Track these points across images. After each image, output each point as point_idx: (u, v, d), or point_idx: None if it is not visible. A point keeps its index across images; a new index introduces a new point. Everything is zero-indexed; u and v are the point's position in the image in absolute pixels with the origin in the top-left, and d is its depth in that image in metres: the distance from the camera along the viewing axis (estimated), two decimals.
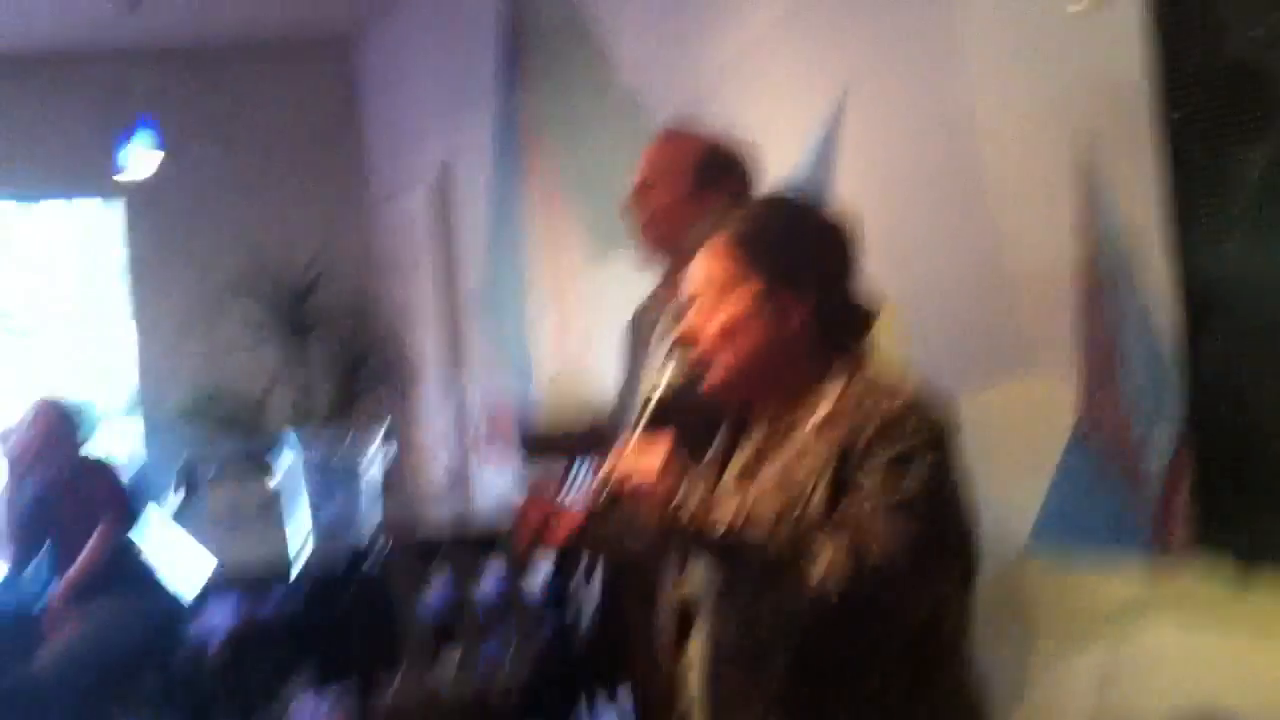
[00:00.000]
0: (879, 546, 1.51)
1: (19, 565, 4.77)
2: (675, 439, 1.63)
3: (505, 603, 2.61)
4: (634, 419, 1.76)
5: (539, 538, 1.94)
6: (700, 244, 1.72)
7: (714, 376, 1.70)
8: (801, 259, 1.70)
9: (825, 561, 1.50)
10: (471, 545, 2.59)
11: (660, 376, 1.78)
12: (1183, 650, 2.04)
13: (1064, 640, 2.27)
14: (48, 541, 4.67)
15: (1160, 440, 2.06)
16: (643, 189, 2.37)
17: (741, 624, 1.65)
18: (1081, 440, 2.21)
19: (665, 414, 1.75)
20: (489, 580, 2.67)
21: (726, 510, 1.56)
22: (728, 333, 1.68)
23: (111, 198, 5.92)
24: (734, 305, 1.68)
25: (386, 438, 3.03)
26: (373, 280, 6.04)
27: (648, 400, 1.76)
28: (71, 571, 4.48)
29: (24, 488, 4.71)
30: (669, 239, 2.24)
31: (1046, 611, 2.31)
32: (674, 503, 1.57)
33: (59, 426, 4.64)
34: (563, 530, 1.93)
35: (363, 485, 2.97)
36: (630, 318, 2.56)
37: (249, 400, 5.70)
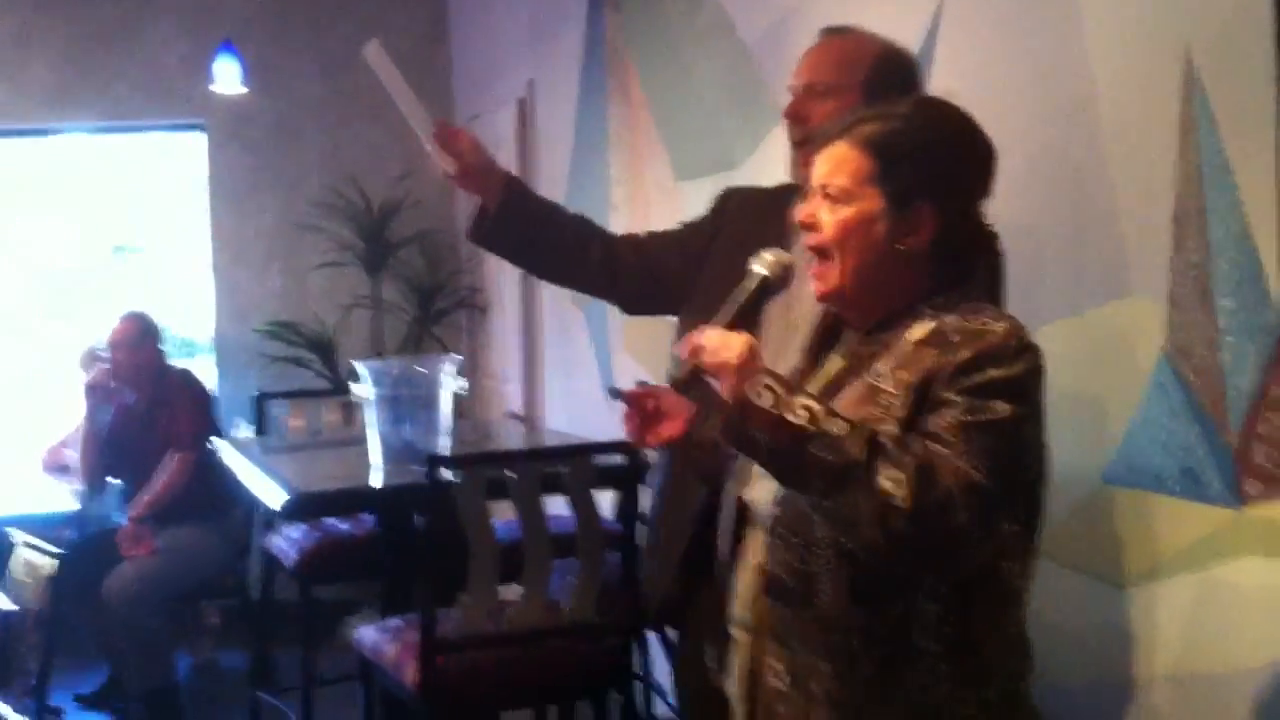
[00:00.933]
0: (958, 462, 1.45)
1: (98, 482, 4.86)
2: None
3: (575, 530, 2.56)
4: (734, 295, 1.69)
5: (643, 436, 1.83)
6: (839, 135, 1.64)
7: (828, 281, 1.64)
8: (941, 178, 1.61)
9: (898, 469, 1.44)
10: (542, 474, 2.52)
11: (764, 258, 1.70)
12: (1268, 586, 1.94)
13: (1147, 575, 2.17)
14: (127, 460, 4.75)
15: (1251, 368, 1.96)
16: (807, 94, 2.12)
17: (797, 538, 1.60)
18: (1169, 367, 2.10)
19: (759, 301, 1.70)
20: (559, 508, 2.61)
21: (805, 406, 1.49)
22: (850, 231, 1.61)
23: (197, 125, 5.93)
24: (863, 204, 1.61)
25: (462, 366, 2.97)
26: (455, 202, 6.01)
27: (751, 277, 1.69)
28: (149, 494, 4.55)
29: (106, 404, 4.77)
30: None
31: (1128, 545, 2.22)
32: (754, 385, 1.50)
33: (145, 336, 4.71)
34: (666, 430, 1.81)
35: (437, 413, 2.92)
36: (721, 196, 2.40)
37: (327, 327, 5.71)
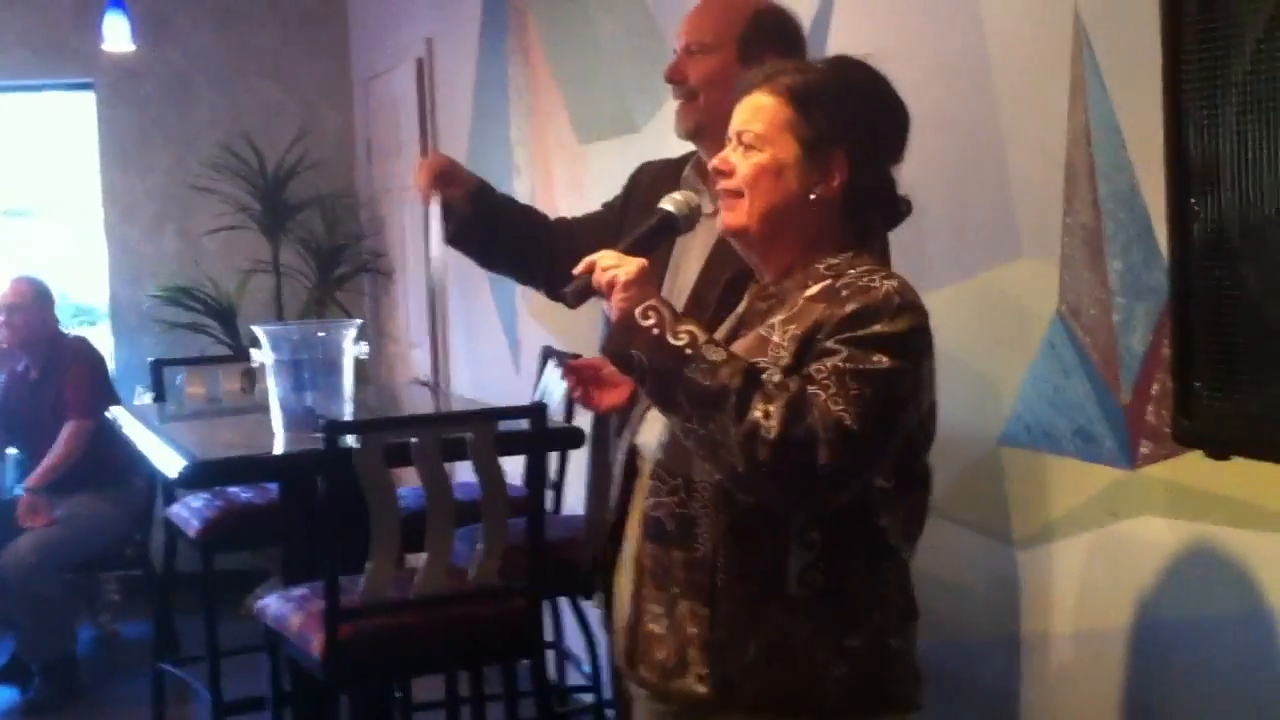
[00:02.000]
0: (830, 402, 1.48)
1: None
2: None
3: (480, 496, 2.54)
4: (639, 228, 1.75)
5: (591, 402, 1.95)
6: (753, 86, 1.68)
7: (736, 216, 1.67)
8: (855, 126, 1.65)
9: (770, 402, 1.48)
10: (446, 439, 2.51)
11: (673, 196, 1.75)
12: (1161, 544, 2.00)
13: (1041, 534, 2.22)
14: (21, 429, 4.64)
15: (1141, 328, 2.01)
16: (685, 54, 2.17)
17: (677, 479, 1.63)
18: (1062, 328, 2.15)
19: (661, 235, 1.74)
20: (463, 474, 2.60)
21: (687, 331, 1.54)
22: (764, 174, 1.64)
23: (85, 83, 5.76)
24: (777, 150, 1.64)
25: (364, 330, 2.93)
26: (354, 163, 5.92)
27: (656, 211, 1.73)
28: (46, 462, 4.46)
29: (2, 369, 4.66)
30: (712, 112, 2.05)
31: (1023, 504, 2.27)
32: (641, 305, 1.56)
33: (35, 302, 4.60)
34: (611, 398, 1.94)
35: (339, 378, 2.88)
36: (634, 172, 2.43)
37: (225, 292, 5.60)
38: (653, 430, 1.69)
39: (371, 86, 5.71)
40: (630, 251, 1.66)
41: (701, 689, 1.60)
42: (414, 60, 5.11)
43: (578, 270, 1.63)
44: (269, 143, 5.65)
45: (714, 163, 1.70)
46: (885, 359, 1.52)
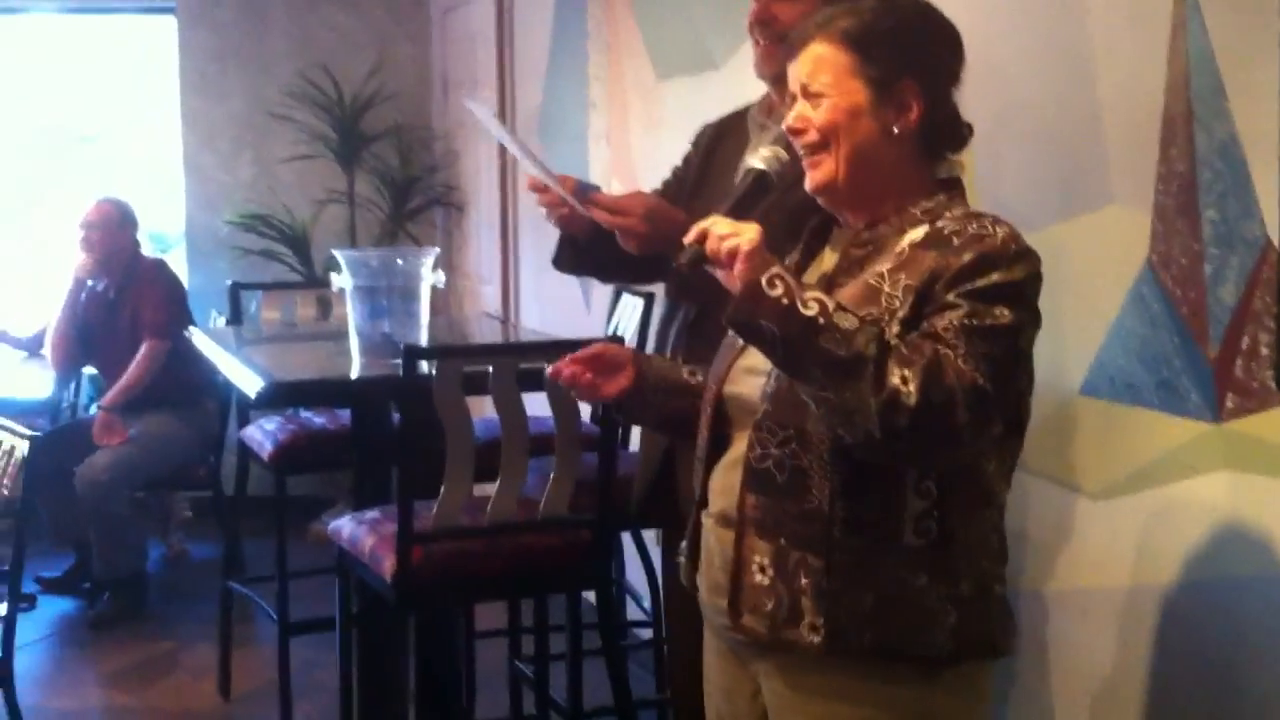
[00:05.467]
0: (960, 364, 1.48)
1: (71, 371, 4.84)
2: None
3: (553, 426, 2.56)
4: (733, 192, 1.71)
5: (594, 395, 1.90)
6: (808, 38, 1.66)
7: (821, 172, 1.66)
8: (917, 55, 1.65)
9: (906, 367, 1.47)
10: (521, 371, 2.52)
11: (760, 154, 1.72)
12: (1242, 500, 1.97)
13: (1116, 486, 2.20)
14: (98, 348, 4.73)
15: (1233, 281, 1.97)
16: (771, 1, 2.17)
17: (787, 432, 1.62)
18: (1151, 278, 2.11)
19: (757, 195, 1.71)
20: (538, 405, 2.62)
21: (815, 299, 1.51)
22: (839, 121, 1.64)
23: (166, 7, 5.80)
24: (846, 97, 1.64)
25: (439, 260, 2.94)
26: (430, 97, 5.93)
27: (748, 172, 1.71)
28: (122, 382, 4.54)
29: (80, 290, 4.74)
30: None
31: (1101, 456, 2.25)
32: (766, 274, 1.51)
33: (117, 223, 4.67)
34: (614, 386, 1.87)
35: (416, 306, 2.90)
36: (697, 134, 2.44)
37: (299, 221, 5.65)
38: (750, 382, 1.69)
39: (448, 19, 5.70)
40: (732, 216, 1.63)
41: (814, 639, 1.60)
42: None
43: (689, 240, 1.59)
44: (346, 73, 5.67)
45: (787, 123, 1.68)
46: (1008, 311, 1.53)
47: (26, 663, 3.83)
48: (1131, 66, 2.14)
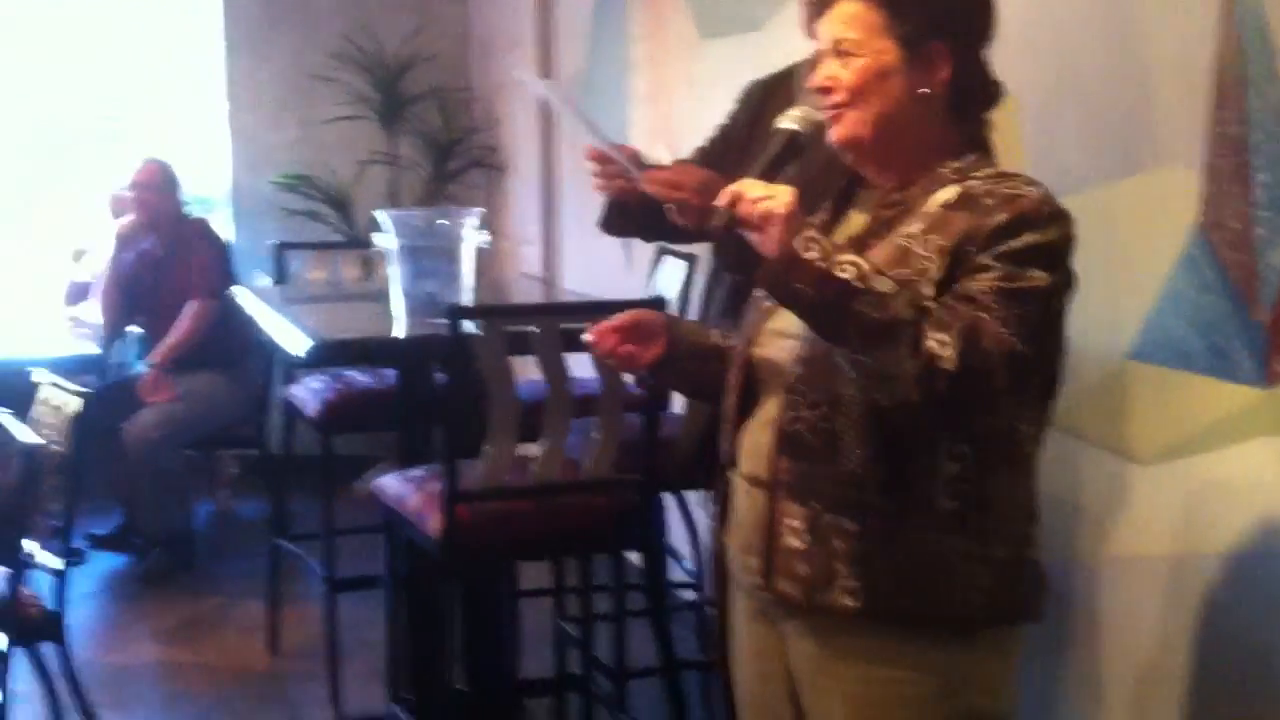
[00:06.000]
0: (997, 327, 1.48)
1: (118, 329, 4.90)
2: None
3: (598, 388, 2.57)
4: (762, 154, 1.70)
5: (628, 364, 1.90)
6: None
7: (847, 128, 1.65)
8: (948, 15, 1.64)
9: (943, 331, 1.46)
10: (564, 331, 2.53)
11: (791, 114, 1.71)
12: None
13: (1166, 452, 2.19)
14: (145, 306, 4.78)
15: None
16: None
17: (820, 395, 1.61)
18: (1201, 241, 2.09)
19: (788, 156, 1.69)
20: (582, 365, 2.63)
21: (851, 262, 1.50)
22: (868, 79, 1.63)
23: None
24: (876, 56, 1.63)
25: (483, 221, 2.95)
26: (471, 59, 5.92)
27: (779, 133, 1.69)
28: (169, 340, 4.59)
29: (127, 250, 4.79)
30: None
31: (1150, 421, 2.24)
32: (800, 237, 1.50)
33: (163, 183, 4.71)
34: (649, 354, 1.86)
35: (460, 266, 2.91)
36: (745, 91, 2.42)
37: (342, 181, 5.67)
38: (781, 345, 1.68)
39: None
40: (764, 178, 1.61)
41: (850, 602, 1.60)
42: None
43: (720, 203, 1.57)
44: (388, 34, 5.67)
45: (815, 81, 1.67)
46: (1043, 273, 1.52)
47: (78, 618, 3.88)
48: (1183, 27, 2.12)
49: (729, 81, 2.61)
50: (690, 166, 2.38)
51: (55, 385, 3.05)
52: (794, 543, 1.64)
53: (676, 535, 3.62)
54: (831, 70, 1.65)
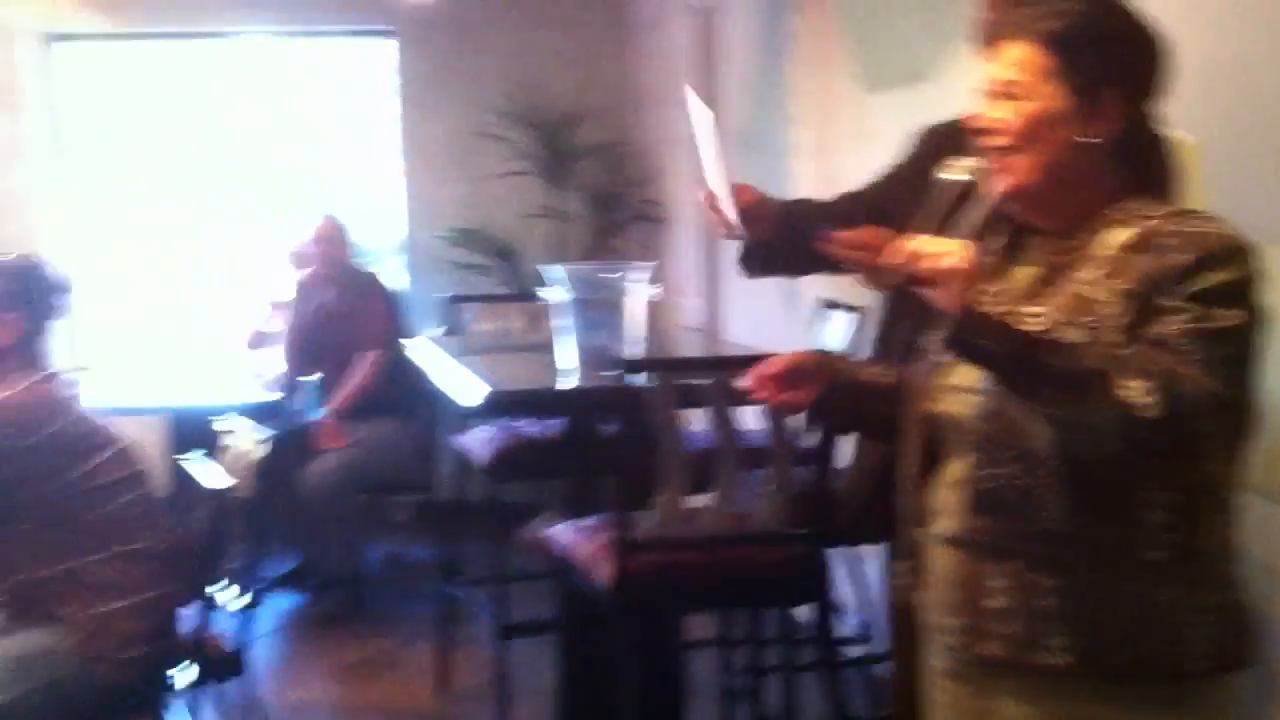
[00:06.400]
0: (1196, 371, 1.43)
1: (295, 378, 5.08)
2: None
3: (767, 440, 2.59)
4: (927, 207, 1.67)
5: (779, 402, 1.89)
6: (1008, 36, 1.62)
7: (1013, 178, 1.62)
8: (1122, 63, 1.60)
9: (1141, 379, 1.42)
10: (733, 383, 2.54)
11: (961, 164, 1.69)
12: None
13: None
14: (323, 357, 4.95)
15: None
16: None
17: (1010, 452, 1.58)
18: None
19: (959, 207, 1.67)
20: (750, 417, 2.64)
21: (1034, 314, 1.48)
22: (1035, 125, 1.59)
23: (387, 32, 6.04)
24: (1045, 101, 1.59)
25: (653, 273, 3.00)
26: (633, 113, 6.03)
27: (949, 184, 1.67)
28: (343, 391, 4.74)
29: (306, 301, 4.99)
30: None
31: None
32: (980, 293, 1.48)
33: (340, 238, 4.91)
34: (800, 397, 1.87)
35: (630, 319, 2.96)
36: (922, 134, 2.41)
37: (508, 235, 5.81)
38: (963, 400, 1.66)
39: (651, 37, 5.79)
40: (936, 231, 1.60)
41: (1061, 660, 1.57)
42: (696, 10, 5.15)
43: (895, 261, 1.55)
44: (553, 91, 5.81)
45: (979, 122, 1.64)
46: (1236, 312, 1.48)
47: (256, 655, 4.03)
48: None
49: (895, 135, 2.61)
50: (877, 229, 2.38)
51: (240, 431, 3.18)
52: (997, 602, 1.61)
53: (843, 589, 3.60)
54: (996, 113, 1.62)
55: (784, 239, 2.39)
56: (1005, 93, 1.61)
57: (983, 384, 1.59)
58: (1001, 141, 1.61)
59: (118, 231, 6.24)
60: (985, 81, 1.65)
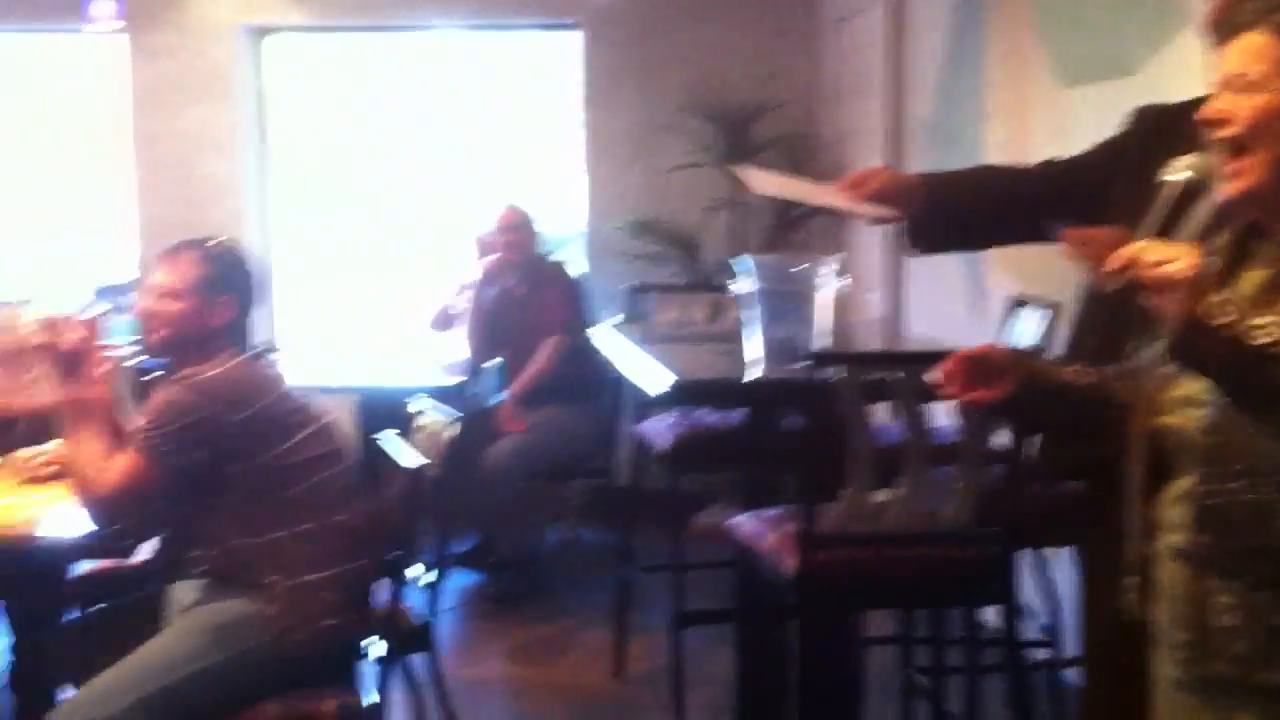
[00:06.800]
0: None
1: (479, 362, 5.20)
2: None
3: (956, 436, 2.55)
4: (1153, 208, 1.63)
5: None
6: (1243, 26, 1.56)
7: (1245, 181, 1.55)
8: None
9: None
10: (923, 377, 2.52)
11: (1184, 162, 1.64)
12: None
13: None
14: (505, 342, 5.06)
15: None
16: None
17: (1239, 467, 1.53)
18: None
19: (1182, 209, 1.62)
20: (939, 412, 2.61)
21: (1262, 325, 1.43)
22: (1266, 121, 1.53)
23: (573, 25, 6.12)
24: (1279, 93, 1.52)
25: (841, 266, 2.99)
26: (819, 106, 5.99)
27: (1170, 185, 1.62)
28: (526, 374, 4.84)
29: (490, 287, 5.10)
30: None
31: None
32: (1207, 302, 1.44)
33: (525, 226, 5.00)
34: (992, 392, 1.81)
35: (814, 312, 2.95)
36: (1134, 116, 2.31)
37: (687, 226, 5.84)
38: (1189, 413, 1.61)
39: (841, 28, 5.74)
40: (1156, 235, 1.55)
41: None
42: (886, 2, 5.09)
43: (1116, 266, 1.51)
44: (737, 83, 5.82)
45: (1206, 112, 1.58)
46: None
47: (438, 631, 4.14)
48: None
49: (1095, 132, 2.53)
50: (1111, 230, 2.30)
51: (432, 412, 3.27)
52: (1227, 620, 1.57)
53: (1028, 591, 3.52)
54: (1226, 103, 1.56)
55: (946, 210, 2.34)
56: (1237, 84, 1.56)
57: (1209, 396, 1.54)
58: (1231, 132, 1.56)
59: (316, 217, 6.48)
60: (1216, 73, 1.60)
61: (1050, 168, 2.45)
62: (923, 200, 2.37)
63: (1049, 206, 2.34)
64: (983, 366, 1.80)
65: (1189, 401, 1.61)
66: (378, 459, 3.04)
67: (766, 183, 2.67)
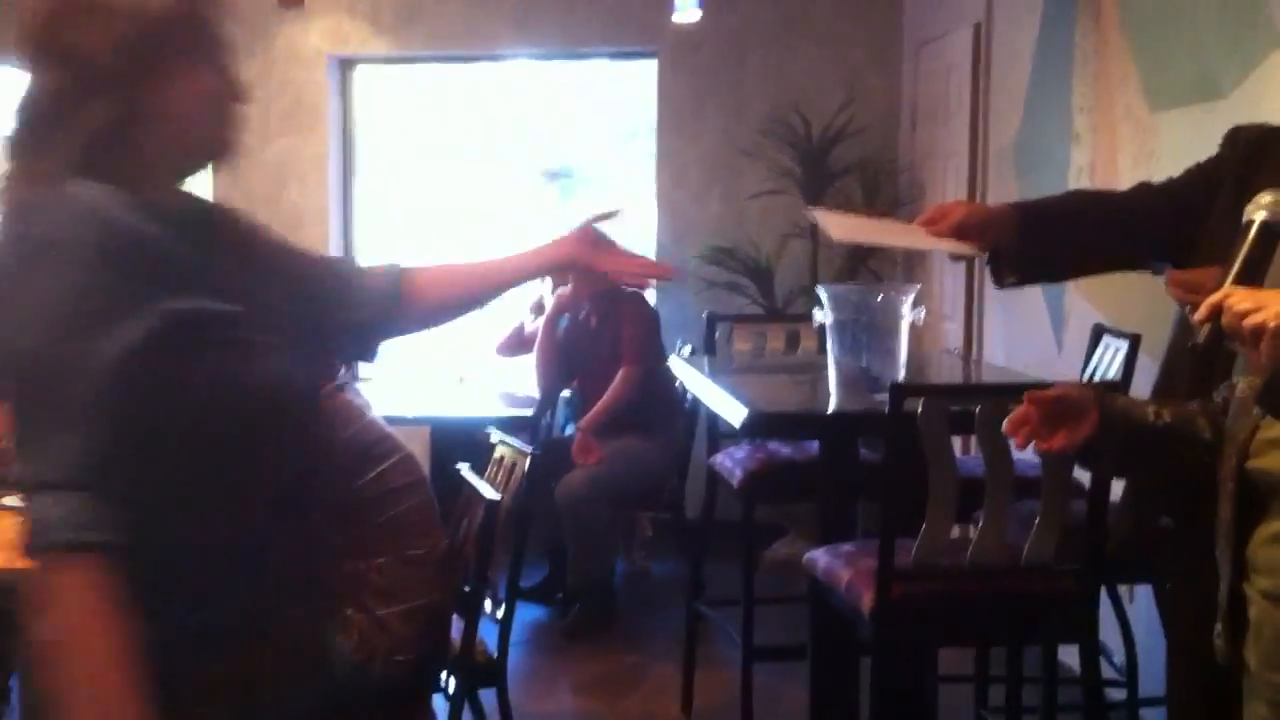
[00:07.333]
0: None
1: (552, 391, 5.17)
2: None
3: (1038, 470, 2.47)
4: (1235, 247, 1.56)
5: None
6: None
7: None
8: None
9: None
10: (1004, 409, 2.44)
11: (1263, 201, 1.57)
12: None
13: None
14: (578, 370, 5.03)
15: None
16: None
17: None
18: None
19: (1267, 250, 1.55)
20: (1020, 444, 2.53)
21: None
22: None
23: (649, 53, 6.12)
24: None
25: (917, 296, 2.92)
26: (898, 130, 5.92)
27: (1250, 225, 1.56)
28: (600, 404, 4.81)
29: (563, 316, 5.07)
30: None
31: None
32: None
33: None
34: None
35: (896, 342, 2.89)
36: (1229, 136, 2.23)
37: (763, 254, 5.79)
38: (1278, 456, 1.55)
39: (922, 52, 5.68)
40: (1243, 280, 1.49)
41: None
42: (971, 25, 5.02)
43: (1200, 317, 1.45)
44: (816, 109, 5.77)
45: None
46: None
47: (509, 665, 4.11)
48: None
49: (1186, 156, 2.45)
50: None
51: (505, 443, 3.25)
52: None
53: (1106, 629, 3.42)
54: None
55: (1043, 239, 2.27)
56: None
57: None
58: None
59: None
60: None
61: (1146, 192, 2.38)
62: (1015, 230, 2.30)
63: (1146, 233, 2.28)
64: (1060, 408, 1.72)
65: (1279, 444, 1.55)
66: (450, 490, 3.02)
67: (843, 228, 2.63)
